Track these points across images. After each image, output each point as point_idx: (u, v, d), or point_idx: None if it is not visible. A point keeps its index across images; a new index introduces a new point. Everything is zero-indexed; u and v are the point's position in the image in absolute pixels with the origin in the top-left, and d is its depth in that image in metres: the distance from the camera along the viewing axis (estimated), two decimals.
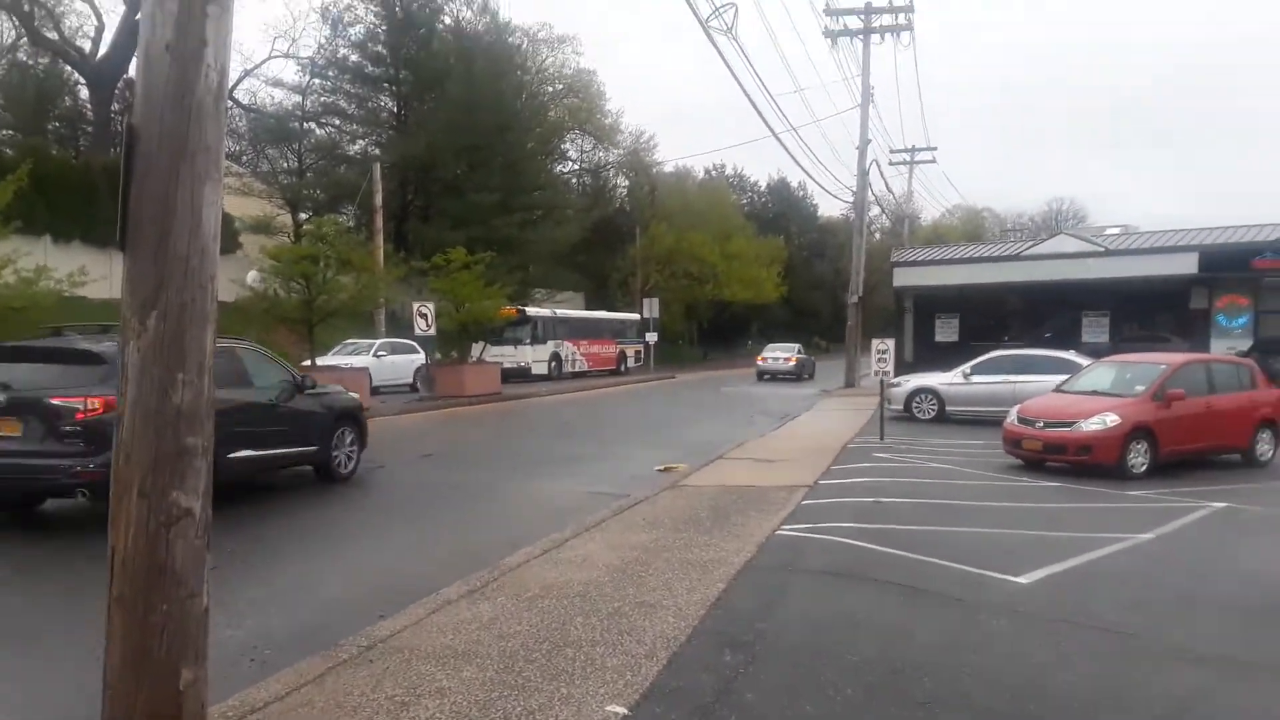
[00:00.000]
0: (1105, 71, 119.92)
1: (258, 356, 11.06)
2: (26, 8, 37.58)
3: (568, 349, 37.82)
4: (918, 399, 20.12)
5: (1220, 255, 24.41)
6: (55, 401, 8.65)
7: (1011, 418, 13.24)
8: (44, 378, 8.91)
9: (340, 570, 7.65)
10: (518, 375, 32.55)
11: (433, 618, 5.74)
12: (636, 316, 45.45)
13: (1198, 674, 5.08)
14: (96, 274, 15.05)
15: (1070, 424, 12.27)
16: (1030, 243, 32.30)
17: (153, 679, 3.34)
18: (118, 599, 3.38)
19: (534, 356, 35.12)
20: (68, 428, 8.61)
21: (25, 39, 39.71)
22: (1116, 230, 32.13)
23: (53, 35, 39.41)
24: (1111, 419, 11.99)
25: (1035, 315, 26.54)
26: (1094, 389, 13.35)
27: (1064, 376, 15.27)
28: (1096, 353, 19.47)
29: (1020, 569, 7.00)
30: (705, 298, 58.95)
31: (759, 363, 40.86)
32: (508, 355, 32.38)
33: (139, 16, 3.40)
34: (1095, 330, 25.81)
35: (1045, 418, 12.65)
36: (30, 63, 42.04)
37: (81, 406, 8.60)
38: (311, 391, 11.44)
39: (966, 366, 19.87)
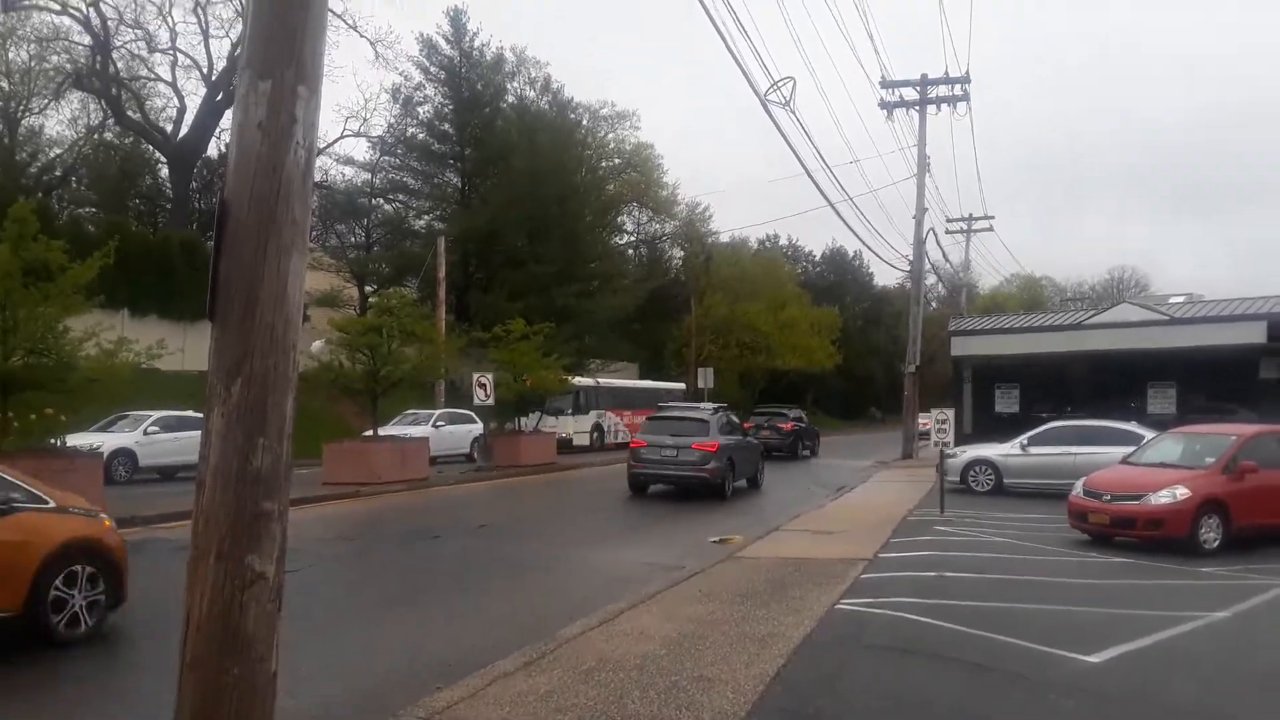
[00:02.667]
0: (1164, 135, 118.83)
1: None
2: (114, 91, 39.72)
3: (610, 420, 37.13)
4: (973, 471, 19.56)
5: None
6: (781, 424, 33.04)
7: (1077, 490, 12.88)
8: (771, 419, 33.55)
9: (399, 639, 7.70)
10: (560, 446, 30.90)
11: (489, 689, 5.75)
12: (681, 386, 45.18)
13: None
14: (172, 346, 15.48)
15: (1139, 497, 11.89)
16: (1092, 312, 31.72)
17: None
18: (190, 664, 3.43)
19: (576, 427, 34.20)
20: (784, 431, 32.52)
21: (112, 120, 41.93)
22: (1181, 299, 31.35)
23: (136, 116, 41.53)
24: (1181, 492, 11.61)
25: (1099, 385, 25.90)
26: (1162, 461, 12.97)
27: (1127, 448, 14.85)
28: (1162, 424, 18.88)
29: (1091, 647, 6.79)
30: (759, 367, 58.83)
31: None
32: (548, 425, 31.21)
33: (233, 87, 3.59)
34: (1161, 401, 25.09)
35: (1113, 491, 12.28)
36: (115, 142, 44.35)
37: (785, 423, 33.40)
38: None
39: (1024, 437, 19.32)
